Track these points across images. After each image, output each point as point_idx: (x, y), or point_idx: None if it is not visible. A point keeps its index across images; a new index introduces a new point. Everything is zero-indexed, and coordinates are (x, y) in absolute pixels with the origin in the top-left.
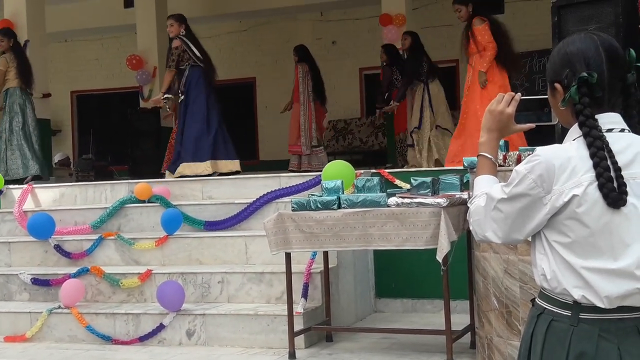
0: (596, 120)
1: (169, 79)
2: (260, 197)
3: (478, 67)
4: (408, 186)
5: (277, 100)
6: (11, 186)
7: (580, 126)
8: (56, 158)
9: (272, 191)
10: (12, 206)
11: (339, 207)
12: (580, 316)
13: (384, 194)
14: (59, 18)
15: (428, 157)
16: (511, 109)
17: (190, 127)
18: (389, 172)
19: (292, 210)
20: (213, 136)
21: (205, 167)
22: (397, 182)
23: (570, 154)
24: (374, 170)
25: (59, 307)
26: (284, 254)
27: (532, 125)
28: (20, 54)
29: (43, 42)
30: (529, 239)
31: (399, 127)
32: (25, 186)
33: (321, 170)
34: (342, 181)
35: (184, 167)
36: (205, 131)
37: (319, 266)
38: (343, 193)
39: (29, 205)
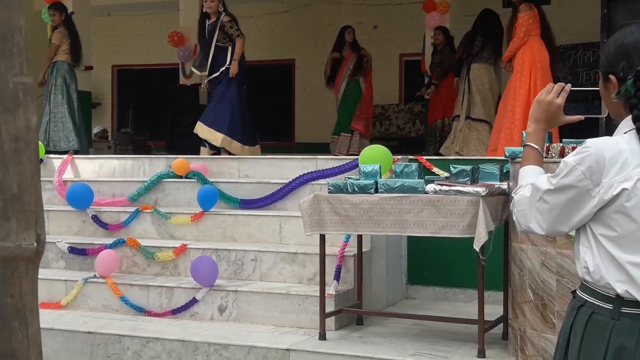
0: None
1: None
2: (297, 177)
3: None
4: (446, 174)
5: (315, 82)
6: (52, 155)
7: (635, 120)
8: (94, 130)
9: (308, 172)
10: (52, 175)
11: (376, 191)
12: (622, 310)
13: (422, 180)
14: None
15: (451, 148)
16: (560, 100)
17: (225, 98)
18: (426, 159)
19: (329, 192)
20: (240, 116)
21: (219, 138)
22: (435, 169)
23: (621, 147)
24: (411, 157)
25: (94, 277)
26: (318, 235)
27: (581, 117)
28: (73, 29)
29: (87, 15)
30: (571, 232)
31: (433, 115)
32: (65, 156)
33: None
34: (380, 166)
35: (201, 127)
36: (238, 109)
37: (352, 249)
38: (380, 177)
39: (68, 175)
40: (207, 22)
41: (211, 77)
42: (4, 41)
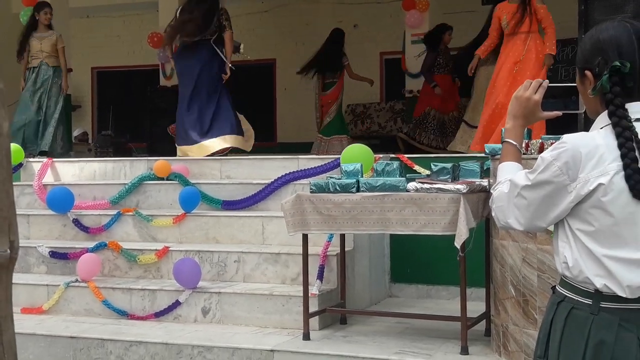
0: (626, 110)
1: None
2: (279, 178)
3: (546, 50)
4: (427, 172)
5: (296, 82)
6: (31, 159)
7: (610, 115)
8: (75, 133)
9: (290, 172)
10: (32, 179)
11: (358, 190)
12: (601, 305)
13: (404, 178)
14: None
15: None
16: (538, 96)
17: (226, 100)
18: (408, 157)
19: (311, 192)
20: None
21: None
22: (417, 167)
23: (597, 142)
24: (393, 155)
25: (76, 281)
26: (301, 235)
27: (559, 112)
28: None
29: (65, 16)
30: (550, 228)
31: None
32: (45, 159)
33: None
34: (362, 164)
35: (213, 144)
36: (231, 106)
37: (335, 249)
38: (362, 176)
39: (48, 179)
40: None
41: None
42: None
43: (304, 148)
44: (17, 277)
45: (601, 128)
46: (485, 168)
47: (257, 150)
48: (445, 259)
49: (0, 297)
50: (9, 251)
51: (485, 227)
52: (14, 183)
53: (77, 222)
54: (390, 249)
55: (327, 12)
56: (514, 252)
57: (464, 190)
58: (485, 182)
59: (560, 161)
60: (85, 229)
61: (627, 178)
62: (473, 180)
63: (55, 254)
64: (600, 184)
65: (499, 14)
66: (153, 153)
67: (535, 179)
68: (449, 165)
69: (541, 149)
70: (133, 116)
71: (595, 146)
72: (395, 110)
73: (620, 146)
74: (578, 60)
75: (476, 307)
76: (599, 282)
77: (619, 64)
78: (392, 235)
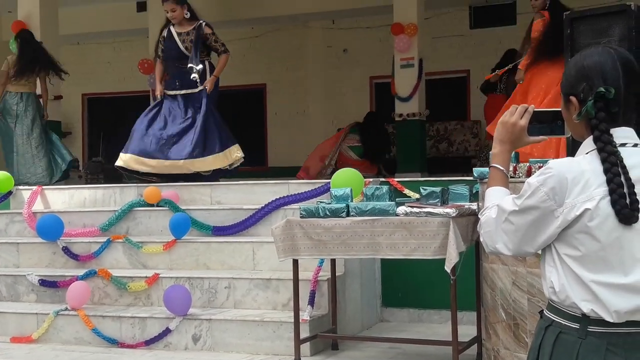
0: (611, 135)
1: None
2: (269, 203)
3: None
4: (417, 195)
5: (287, 106)
6: (21, 187)
7: (595, 141)
8: None
9: (280, 197)
10: (22, 207)
11: (348, 215)
12: (588, 329)
13: (393, 202)
14: (71, 20)
15: None
16: (524, 121)
17: (213, 118)
18: (397, 181)
19: (301, 217)
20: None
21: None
22: (406, 191)
23: (583, 168)
24: (382, 179)
25: (66, 309)
26: (292, 260)
27: (545, 137)
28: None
29: (56, 44)
30: (539, 251)
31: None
32: (34, 187)
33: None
34: (351, 189)
35: (204, 162)
36: (221, 124)
37: (326, 274)
38: (352, 201)
39: (38, 206)
40: (176, 33)
41: (182, 92)
42: None
43: (295, 172)
44: (6, 306)
45: (587, 153)
46: (474, 192)
47: (248, 174)
48: (437, 282)
49: None
50: None
51: (475, 251)
52: (4, 211)
53: (66, 250)
54: (382, 273)
55: (316, 37)
56: (504, 276)
57: (454, 214)
58: (474, 206)
59: (547, 186)
60: (75, 256)
61: (613, 203)
62: (462, 203)
63: (45, 282)
64: (586, 209)
65: (538, 27)
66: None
67: (522, 204)
68: (438, 189)
69: (529, 172)
70: (124, 142)
71: (581, 171)
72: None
73: (606, 171)
74: (563, 86)
75: (468, 331)
76: (586, 307)
77: (603, 90)
78: (383, 260)
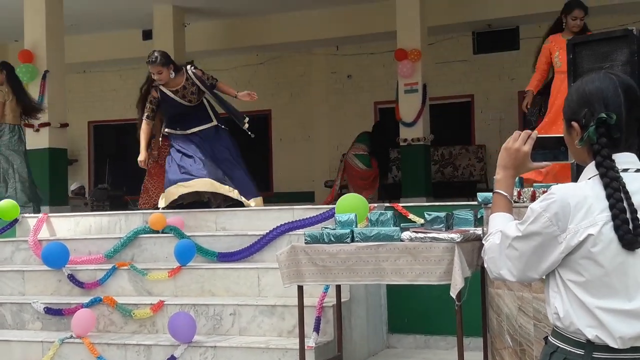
0: (613, 160)
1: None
2: (274, 229)
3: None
4: (422, 221)
5: (292, 132)
6: (26, 215)
7: (598, 166)
8: (71, 187)
9: (285, 223)
10: (27, 235)
11: (352, 240)
12: (593, 355)
13: (398, 228)
14: (78, 49)
15: None
16: (527, 147)
17: (232, 155)
18: (402, 206)
19: (305, 243)
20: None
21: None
22: (411, 216)
23: (586, 193)
24: (387, 204)
25: (71, 337)
26: (297, 287)
27: (548, 163)
28: (17, 86)
29: (62, 72)
30: (544, 277)
31: None
32: (40, 215)
33: None
34: (356, 214)
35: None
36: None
37: (331, 300)
38: (356, 226)
39: (44, 234)
40: (170, 92)
41: (197, 129)
42: None
43: (299, 197)
44: (12, 334)
45: (589, 178)
46: (479, 216)
47: None
48: (443, 308)
49: None
50: None
51: (481, 276)
52: (10, 239)
53: (72, 278)
54: (387, 299)
55: (321, 64)
56: (510, 301)
57: (458, 239)
58: (479, 231)
59: (550, 212)
60: (80, 284)
61: (616, 228)
62: (467, 229)
63: (50, 310)
64: (589, 235)
65: (551, 48)
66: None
67: (526, 230)
68: (442, 214)
69: (533, 197)
70: (130, 169)
71: (584, 197)
72: (391, 158)
73: (608, 197)
74: (565, 112)
75: (474, 357)
76: (591, 333)
77: (605, 116)
78: (388, 285)
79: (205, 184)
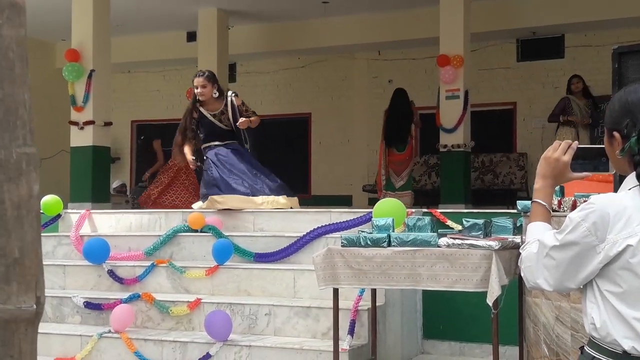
0: None
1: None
2: (310, 231)
3: None
4: (459, 227)
5: (331, 136)
6: (69, 210)
7: (638, 177)
8: (113, 185)
9: (322, 226)
10: (70, 230)
11: (389, 245)
12: None
13: (435, 234)
14: (123, 49)
15: None
16: (567, 157)
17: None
18: (440, 212)
19: (342, 246)
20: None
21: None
22: (449, 222)
23: (625, 204)
24: (425, 210)
25: (109, 332)
26: (332, 289)
27: (588, 174)
28: None
29: (107, 72)
30: (581, 287)
31: None
32: (83, 211)
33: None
34: (393, 219)
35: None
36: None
37: (366, 303)
38: (393, 231)
39: (85, 230)
40: (209, 114)
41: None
42: (9, 114)
43: (337, 201)
44: (51, 327)
45: (629, 189)
46: (518, 224)
47: None
48: (479, 315)
49: (25, 350)
50: (35, 307)
51: (518, 285)
52: (52, 234)
53: (111, 273)
54: (423, 304)
55: (362, 68)
56: (547, 311)
57: (496, 247)
58: (518, 239)
59: (589, 222)
60: (119, 279)
61: None
62: (505, 236)
63: (90, 305)
64: (628, 245)
65: None
66: None
67: (564, 239)
68: (481, 221)
69: (574, 207)
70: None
71: (624, 207)
72: (430, 164)
73: None
74: (606, 121)
75: None
76: (627, 344)
77: None
78: (424, 291)
79: (238, 201)
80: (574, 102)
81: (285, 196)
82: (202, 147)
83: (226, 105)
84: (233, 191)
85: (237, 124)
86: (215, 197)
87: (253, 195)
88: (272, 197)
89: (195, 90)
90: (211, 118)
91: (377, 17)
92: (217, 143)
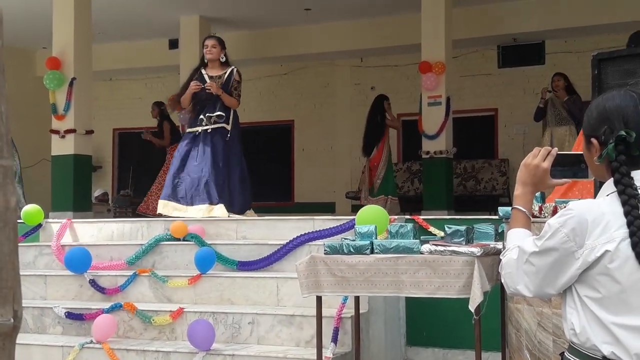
0: (632, 178)
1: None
2: (294, 239)
3: None
4: (442, 234)
5: (314, 143)
6: (50, 220)
7: (616, 183)
8: (95, 194)
9: (305, 233)
10: (51, 240)
11: (372, 252)
12: None
13: (417, 240)
14: (105, 57)
15: None
16: (547, 164)
17: (237, 168)
18: (423, 219)
19: (325, 254)
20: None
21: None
22: (431, 229)
23: (603, 210)
24: (408, 217)
25: (91, 342)
26: (315, 297)
27: (568, 180)
28: None
29: (89, 80)
30: (561, 292)
31: None
32: (64, 220)
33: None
34: (376, 226)
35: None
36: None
37: (349, 311)
38: (376, 238)
39: (67, 239)
40: (207, 75)
41: (208, 127)
42: None
43: (320, 208)
44: (32, 338)
45: (607, 195)
46: (500, 231)
47: (274, 210)
48: (462, 322)
49: None
50: (12, 320)
51: (500, 290)
52: (33, 243)
53: (93, 283)
54: (406, 311)
55: (344, 75)
56: (529, 317)
57: (478, 253)
58: (499, 245)
59: (567, 228)
60: (101, 289)
61: (634, 245)
62: (487, 243)
63: (71, 315)
64: (606, 251)
65: None
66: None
67: (543, 245)
68: (463, 227)
69: (554, 212)
70: (152, 176)
71: (602, 213)
72: (413, 171)
73: (626, 214)
74: (585, 128)
75: None
76: (607, 350)
77: (624, 133)
78: (407, 298)
79: (198, 212)
80: (551, 103)
81: (223, 206)
82: (186, 131)
83: (226, 73)
84: (173, 197)
85: (206, 84)
86: (173, 206)
87: (190, 204)
88: (205, 206)
89: (205, 50)
90: (207, 79)
91: (359, 24)
92: (196, 129)
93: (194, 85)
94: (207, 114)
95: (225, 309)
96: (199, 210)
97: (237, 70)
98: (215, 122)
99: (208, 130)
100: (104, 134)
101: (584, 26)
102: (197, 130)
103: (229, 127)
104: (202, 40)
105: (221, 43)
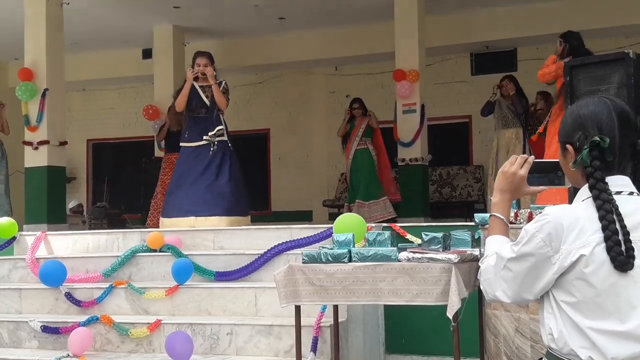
0: (606, 183)
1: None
2: (271, 248)
3: None
4: (419, 241)
5: (290, 151)
6: (25, 233)
7: (591, 189)
8: (70, 205)
9: (283, 243)
10: (25, 253)
11: (350, 260)
12: None
13: (395, 248)
14: (78, 67)
15: None
16: (524, 171)
17: (237, 178)
18: (400, 227)
19: (303, 263)
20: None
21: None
22: (409, 236)
23: (578, 215)
24: (385, 224)
25: (68, 356)
26: (294, 306)
27: (545, 188)
28: None
29: (62, 90)
30: (539, 298)
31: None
32: (38, 233)
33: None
34: (353, 234)
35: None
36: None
37: (328, 320)
38: (354, 246)
39: (41, 252)
40: (198, 87)
41: (203, 143)
42: None
43: (297, 217)
44: (8, 352)
45: (582, 200)
46: (476, 237)
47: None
48: (440, 329)
49: None
50: None
51: (478, 297)
52: (8, 257)
53: (69, 296)
54: (385, 319)
55: (320, 83)
56: (507, 323)
57: (455, 260)
58: (476, 251)
59: (543, 233)
60: (77, 302)
61: (608, 250)
62: (464, 249)
63: (47, 329)
64: (582, 255)
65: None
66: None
67: (520, 251)
68: (439, 234)
69: (530, 219)
70: (128, 187)
71: (576, 218)
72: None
73: (601, 218)
74: (560, 134)
75: None
76: (584, 354)
77: (598, 139)
78: (386, 306)
79: (188, 223)
80: (498, 105)
81: (220, 217)
82: (180, 144)
83: (216, 83)
84: (175, 212)
85: (201, 70)
86: (170, 220)
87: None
88: (203, 218)
89: (197, 68)
90: (199, 90)
91: (333, 32)
92: (188, 145)
93: (190, 73)
94: (209, 133)
95: (203, 320)
96: (216, 221)
97: (225, 82)
98: (219, 135)
99: (211, 145)
100: (77, 144)
101: (555, 33)
102: (196, 145)
103: (227, 139)
104: (193, 57)
105: (211, 60)
